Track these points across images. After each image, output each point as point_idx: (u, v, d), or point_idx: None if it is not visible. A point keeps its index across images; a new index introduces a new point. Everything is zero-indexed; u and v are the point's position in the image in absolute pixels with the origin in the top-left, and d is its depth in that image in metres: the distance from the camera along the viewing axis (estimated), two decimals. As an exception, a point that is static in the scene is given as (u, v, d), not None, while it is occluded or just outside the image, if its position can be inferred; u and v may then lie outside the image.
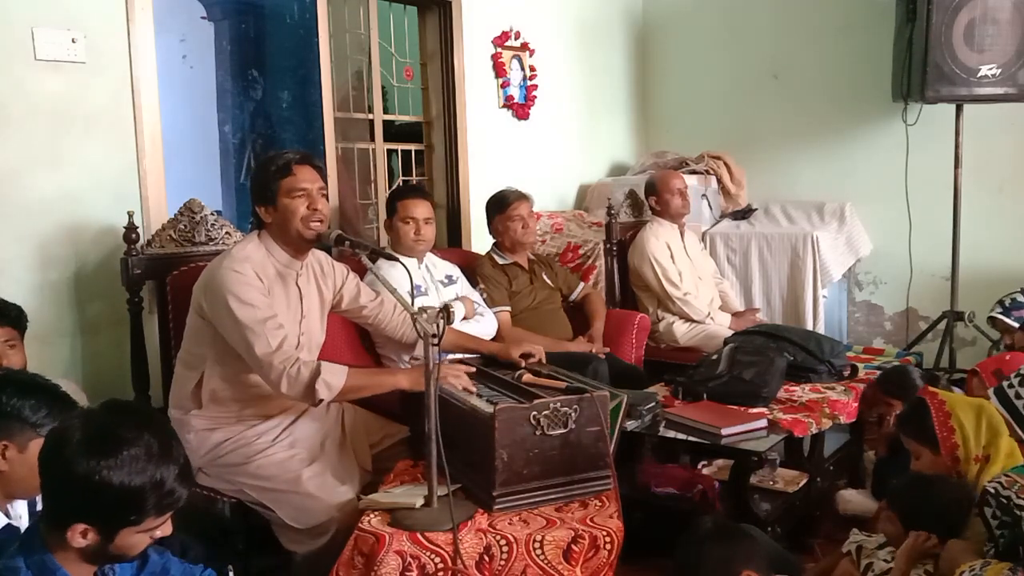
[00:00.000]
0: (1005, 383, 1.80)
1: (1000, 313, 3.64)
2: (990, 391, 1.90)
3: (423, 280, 3.18)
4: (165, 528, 1.55)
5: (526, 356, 2.67)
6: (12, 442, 1.72)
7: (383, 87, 4.12)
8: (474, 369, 2.55)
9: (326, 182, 2.49)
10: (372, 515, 2.08)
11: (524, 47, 4.59)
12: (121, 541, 1.50)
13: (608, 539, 2.00)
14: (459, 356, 2.85)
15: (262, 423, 2.43)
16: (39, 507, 1.90)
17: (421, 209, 3.17)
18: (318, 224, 2.39)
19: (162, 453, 1.49)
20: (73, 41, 2.78)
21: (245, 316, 2.26)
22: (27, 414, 1.73)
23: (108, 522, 1.47)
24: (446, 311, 2.07)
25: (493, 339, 3.14)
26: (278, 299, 2.40)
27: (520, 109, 4.59)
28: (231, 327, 2.28)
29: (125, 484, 1.44)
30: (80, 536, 1.46)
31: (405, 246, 3.17)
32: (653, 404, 2.81)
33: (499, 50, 4.46)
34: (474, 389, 2.43)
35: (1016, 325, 3.56)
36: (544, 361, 2.67)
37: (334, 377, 2.28)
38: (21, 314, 2.45)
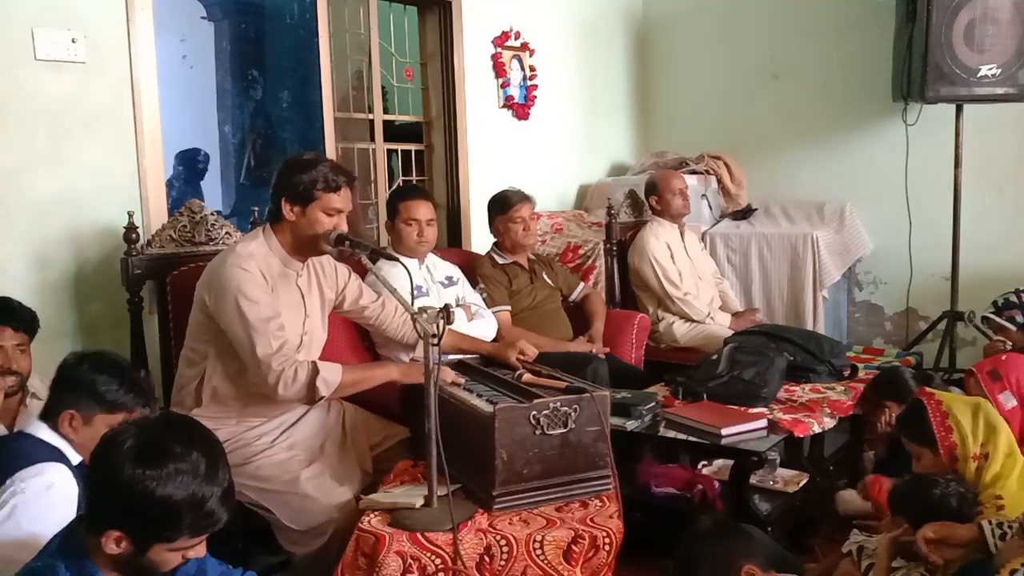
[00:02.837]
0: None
1: (992, 313, 3.65)
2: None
3: (424, 281, 3.18)
4: (199, 550, 1.55)
5: (523, 355, 2.67)
6: (79, 412, 1.88)
7: (383, 87, 4.12)
8: (462, 380, 2.54)
9: None
10: (372, 515, 2.08)
11: (524, 47, 4.59)
12: (153, 555, 1.50)
13: (607, 539, 2.00)
14: (458, 357, 2.85)
15: (262, 424, 2.43)
16: None
17: (424, 210, 3.17)
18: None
19: (208, 473, 1.49)
20: (73, 41, 2.78)
21: (251, 314, 2.27)
22: (98, 388, 1.89)
23: (142, 534, 1.48)
24: (446, 311, 2.07)
25: (493, 340, 3.14)
26: (282, 298, 2.40)
27: (520, 109, 4.59)
28: (237, 324, 2.28)
29: (166, 497, 1.44)
30: (114, 543, 1.47)
31: (408, 247, 3.16)
32: (653, 404, 2.81)
33: (499, 50, 4.46)
34: (461, 380, 2.45)
35: (1010, 326, 3.55)
36: (533, 360, 2.66)
37: (331, 374, 2.32)
38: (34, 318, 2.45)
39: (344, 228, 2.40)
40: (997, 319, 3.57)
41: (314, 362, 2.33)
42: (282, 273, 2.43)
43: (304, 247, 2.43)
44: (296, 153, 2.50)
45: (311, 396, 2.31)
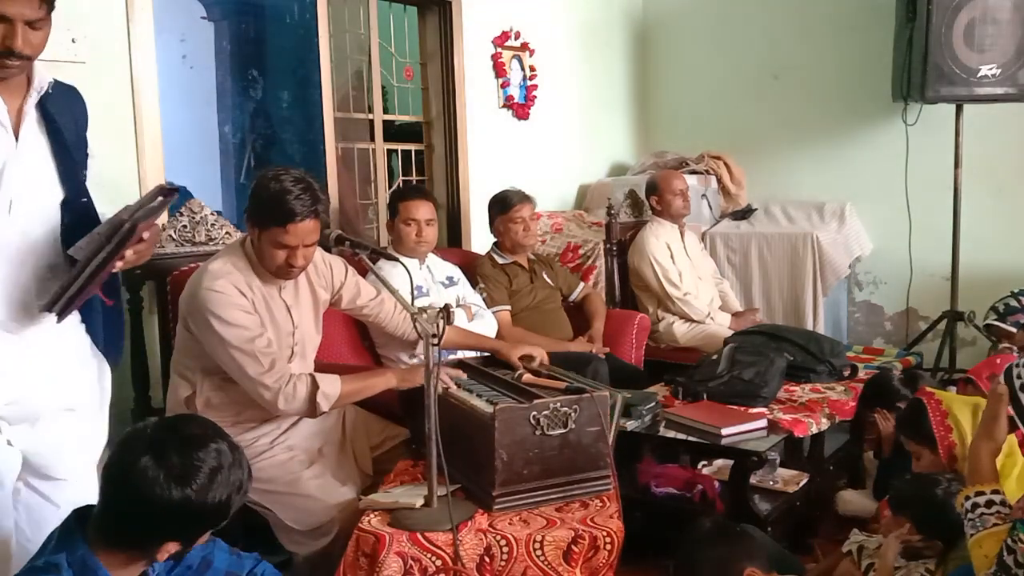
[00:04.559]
0: (1015, 365, 1.76)
1: (996, 320, 3.62)
2: (1000, 376, 1.86)
3: (424, 281, 3.18)
4: (203, 536, 1.62)
5: (527, 359, 2.67)
6: None
7: (383, 87, 4.12)
8: (464, 374, 2.54)
9: (327, 217, 2.39)
10: (372, 515, 2.08)
11: (524, 47, 4.59)
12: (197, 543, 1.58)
13: (608, 539, 2.00)
14: (460, 354, 2.85)
15: (259, 426, 2.41)
16: None
17: (423, 211, 3.17)
18: (293, 273, 2.33)
19: (232, 457, 1.53)
20: (73, 41, 2.77)
21: (231, 337, 2.22)
22: None
23: (197, 534, 1.55)
24: (446, 311, 2.07)
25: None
26: (266, 313, 2.35)
27: (520, 109, 4.58)
28: (219, 349, 2.24)
29: (218, 499, 1.50)
30: (167, 552, 1.52)
31: (407, 247, 3.16)
32: (653, 404, 2.81)
33: (499, 50, 4.46)
34: (463, 376, 2.45)
35: (1013, 330, 3.53)
36: (546, 363, 2.66)
37: (330, 387, 2.29)
38: None
39: (298, 262, 2.26)
40: (1003, 325, 3.55)
41: (312, 375, 2.30)
42: (265, 287, 2.36)
43: (267, 271, 2.34)
44: (272, 169, 2.31)
45: (312, 411, 2.29)
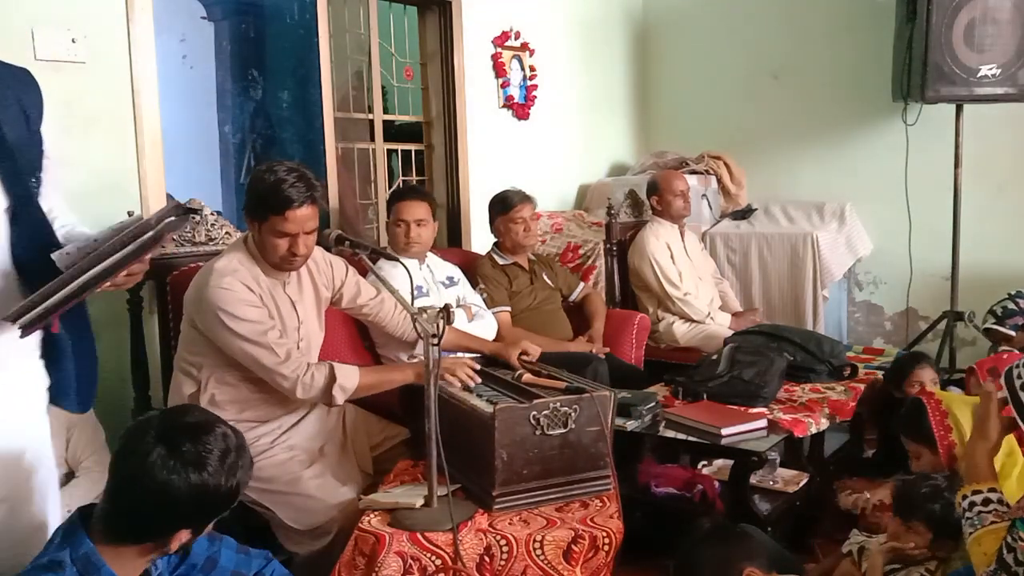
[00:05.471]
0: (1015, 366, 1.76)
1: (994, 324, 3.60)
2: (991, 375, 1.87)
3: (424, 281, 3.18)
4: None
5: (524, 356, 2.68)
6: None
7: (383, 87, 4.12)
8: (478, 366, 2.56)
9: (326, 201, 2.40)
10: (372, 515, 2.08)
11: (524, 47, 4.59)
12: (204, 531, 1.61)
13: (607, 539, 2.00)
14: (459, 356, 2.85)
15: (260, 425, 2.42)
16: None
17: (414, 211, 3.14)
18: (296, 262, 2.35)
19: (236, 439, 1.56)
20: (73, 41, 2.78)
21: (244, 331, 2.25)
22: None
23: (211, 519, 1.57)
24: (446, 311, 2.07)
25: (493, 340, 3.14)
26: (272, 307, 2.37)
27: (520, 109, 4.58)
28: (233, 344, 2.27)
29: (230, 482, 1.53)
30: (179, 540, 1.54)
31: (398, 248, 3.16)
32: (653, 404, 2.81)
33: (499, 50, 4.46)
34: (475, 382, 2.46)
35: (1013, 334, 3.52)
36: (536, 360, 2.67)
37: (348, 380, 2.33)
38: None
39: (300, 250, 2.29)
40: (1001, 329, 3.54)
41: (331, 365, 2.33)
42: (270, 283, 2.39)
43: (271, 264, 2.37)
44: (265, 163, 2.35)
45: (328, 400, 2.34)
